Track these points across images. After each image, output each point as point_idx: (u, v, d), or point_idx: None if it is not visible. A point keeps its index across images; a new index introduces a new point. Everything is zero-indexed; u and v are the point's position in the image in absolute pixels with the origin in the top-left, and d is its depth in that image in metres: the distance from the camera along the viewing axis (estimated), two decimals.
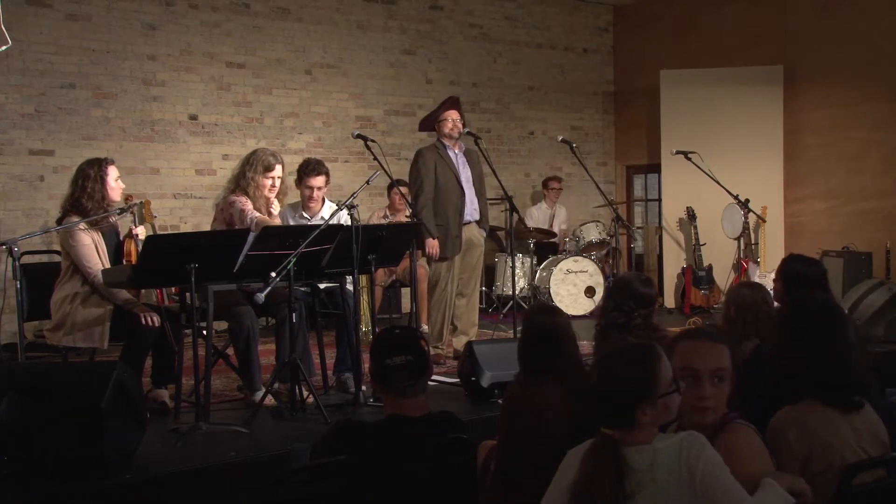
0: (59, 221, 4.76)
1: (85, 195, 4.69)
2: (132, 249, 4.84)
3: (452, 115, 6.22)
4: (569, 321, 3.25)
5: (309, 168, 5.60)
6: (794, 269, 4.16)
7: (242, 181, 5.09)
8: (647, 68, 10.27)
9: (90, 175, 4.72)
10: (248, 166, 5.11)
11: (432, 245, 6.04)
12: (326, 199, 5.74)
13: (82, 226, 4.65)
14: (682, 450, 2.24)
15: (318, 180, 5.56)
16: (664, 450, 2.24)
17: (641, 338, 3.75)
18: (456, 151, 6.27)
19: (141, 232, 4.92)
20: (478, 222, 6.39)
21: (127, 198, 4.86)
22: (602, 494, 2.20)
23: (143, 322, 4.61)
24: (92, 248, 4.66)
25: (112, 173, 4.79)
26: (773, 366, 2.81)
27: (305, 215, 5.64)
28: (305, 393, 4.71)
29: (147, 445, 3.90)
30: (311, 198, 5.59)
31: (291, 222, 5.61)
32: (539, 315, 3.25)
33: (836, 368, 2.63)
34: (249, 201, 5.05)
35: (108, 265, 4.69)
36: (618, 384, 2.30)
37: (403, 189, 6.83)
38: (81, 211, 4.69)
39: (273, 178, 5.10)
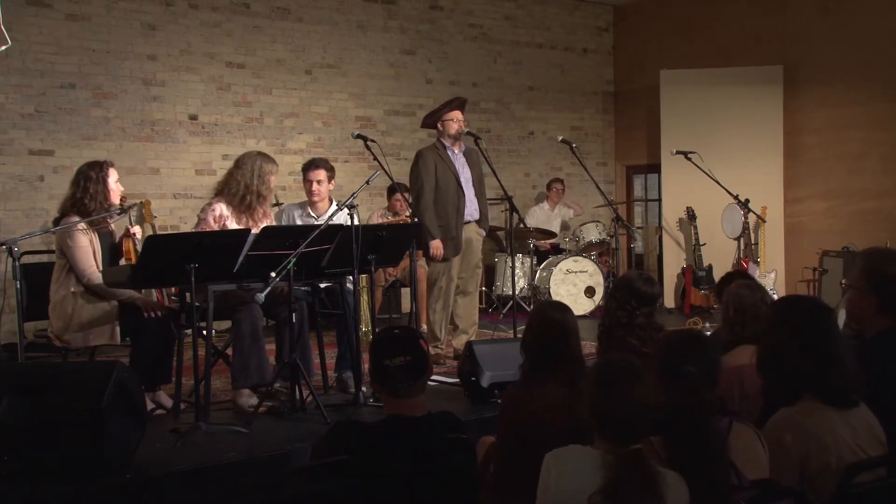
0: (57, 222, 4.75)
1: (87, 196, 4.69)
2: (131, 248, 4.84)
3: (458, 116, 6.25)
4: (576, 321, 3.26)
5: (308, 164, 5.69)
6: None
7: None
8: (647, 68, 10.28)
9: (92, 177, 4.72)
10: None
11: (436, 247, 6.06)
12: (334, 200, 5.74)
13: (82, 226, 4.64)
14: None
15: (318, 173, 5.59)
16: None
17: (644, 337, 3.75)
18: (456, 151, 6.27)
19: (138, 231, 4.92)
20: (478, 222, 6.39)
21: (121, 198, 4.87)
22: None
23: (146, 316, 4.62)
24: (89, 251, 4.65)
25: (113, 175, 4.80)
26: (767, 367, 2.79)
27: (312, 214, 5.66)
28: (305, 393, 4.70)
29: (147, 445, 3.90)
30: (313, 192, 5.60)
31: (299, 221, 5.62)
32: (550, 310, 3.25)
33: (833, 365, 2.62)
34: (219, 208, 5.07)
35: (101, 268, 4.69)
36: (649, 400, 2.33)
37: (405, 194, 6.84)
38: (83, 212, 4.67)
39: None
